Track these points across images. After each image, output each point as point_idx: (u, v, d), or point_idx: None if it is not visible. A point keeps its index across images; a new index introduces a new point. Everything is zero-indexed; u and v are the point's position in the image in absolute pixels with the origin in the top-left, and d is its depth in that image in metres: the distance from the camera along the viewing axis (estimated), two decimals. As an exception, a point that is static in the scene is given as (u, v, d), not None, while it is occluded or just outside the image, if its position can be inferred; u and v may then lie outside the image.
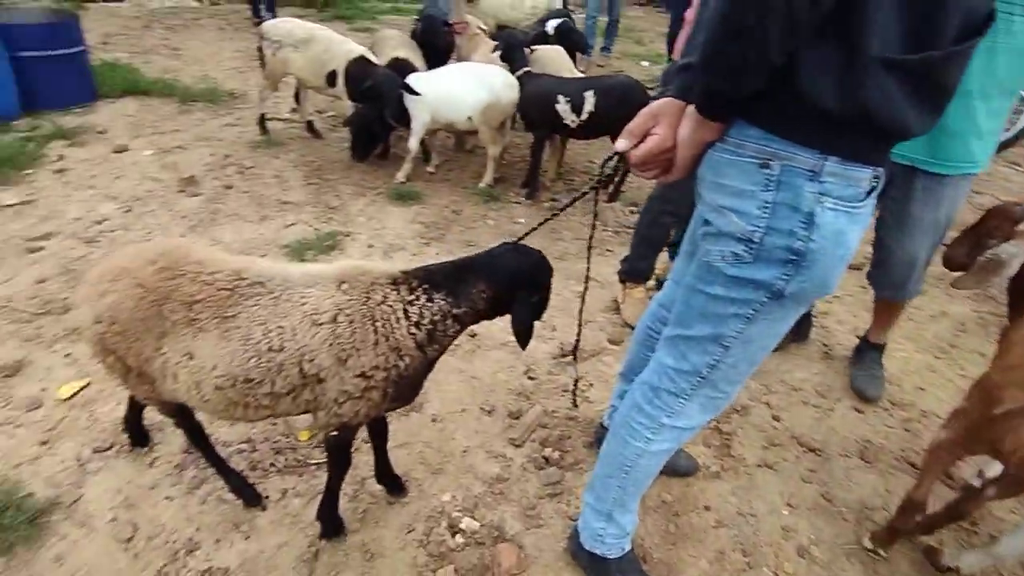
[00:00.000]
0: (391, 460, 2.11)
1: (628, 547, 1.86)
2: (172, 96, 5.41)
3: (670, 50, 5.00)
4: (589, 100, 3.95)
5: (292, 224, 3.72)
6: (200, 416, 1.95)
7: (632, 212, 4.36)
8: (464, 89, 4.04)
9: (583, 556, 1.90)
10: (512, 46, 4.23)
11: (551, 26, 5.10)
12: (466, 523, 2.07)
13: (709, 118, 1.18)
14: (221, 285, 1.56)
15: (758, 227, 1.19)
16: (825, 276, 1.22)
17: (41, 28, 4.80)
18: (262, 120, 4.82)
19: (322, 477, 2.16)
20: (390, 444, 2.09)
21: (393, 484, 2.13)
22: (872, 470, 2.44)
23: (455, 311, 1.62)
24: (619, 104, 3.93)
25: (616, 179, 4.37)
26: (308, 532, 1.99)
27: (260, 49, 4.44)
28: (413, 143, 4.27)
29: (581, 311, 1.97)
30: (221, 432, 2.30)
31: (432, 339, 1.62)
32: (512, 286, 1.65)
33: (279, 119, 5.25)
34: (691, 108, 1.21)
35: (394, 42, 4.74)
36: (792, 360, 3.01)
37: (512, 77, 4.11)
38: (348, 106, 4.39)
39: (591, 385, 2.75)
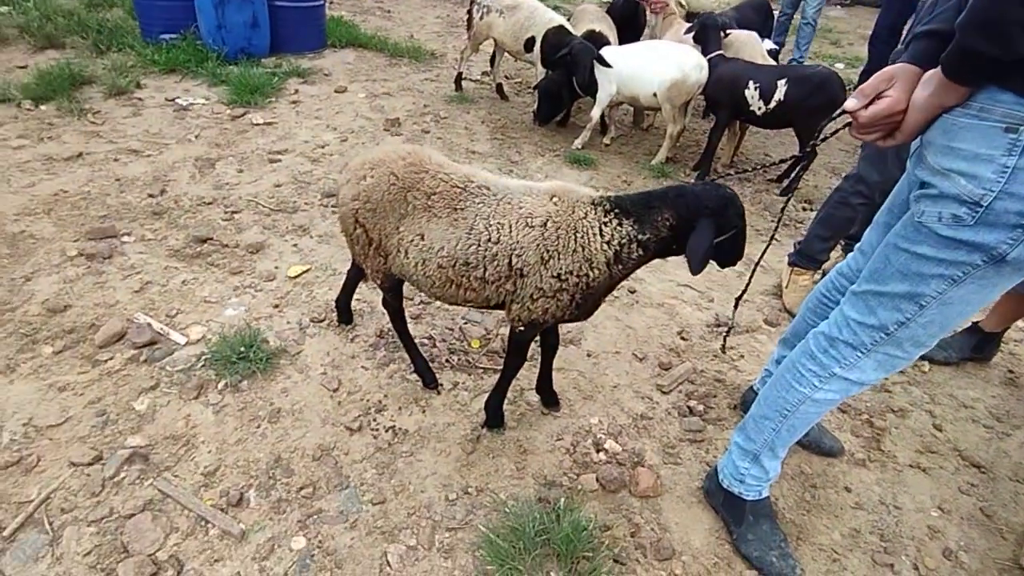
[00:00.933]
0: (551, 376, 2.35)
1: (766, 493, 1.94)
2: (384, 51, 6.08)
3: (872, 52, 4.73)
4: (780, 88, 3.88)
5: (477, 171, 4.09)
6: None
7: (805, 209, 4.23)
8: (653, 65, 4.15)
9: (718, 495, 2.01)
10: (707, 28, 4.25)
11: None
12: (609, 444, 2.26)
13: (959, 82, 1.21)
14: (455, 183, 1.88)
15: (990, 191, 1.21)
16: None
17: (293, -19, 5.61)
18: (459, 78, 5.28)
19: (488, 380, 2.49)
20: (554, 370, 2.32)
21: (550, 398, 2.37)
22: (1045, 501, 2.27)
23: (639, 236, 1.77)
24: (812, 95, 3.83)
25: (799, 170, 4.27)
26: (473, 420, 2.29)
27: (469, 12, 4.86)
28: (596, 112, 4.47)
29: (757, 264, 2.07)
30: (409, 327, 2.68)
31: (619, 259, 1.79)
32: (695, 212, 1.72)
33: (472, 80, 5.70)
34: (935, 72, 1.24)
35: (591, 16, 4.95)
36: (966, 378, 2.83)
37: (703, 58, 4.14)
38: (540, 72, 4.68)
39: (742, 356, 2.80)
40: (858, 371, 1.60)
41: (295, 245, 3.14)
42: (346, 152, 4.11)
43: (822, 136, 1.69)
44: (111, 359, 2.36)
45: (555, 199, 1.82)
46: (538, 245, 1.78)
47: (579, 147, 4.56)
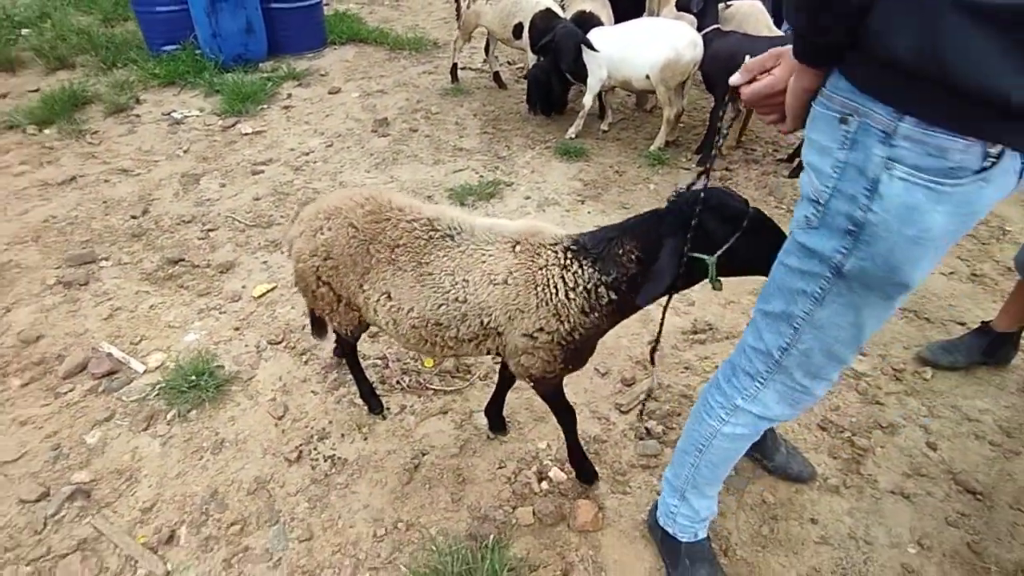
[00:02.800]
0: (504, 401, 2.25)
1: (702, 535, 1.80)
2: (384, 44, 6.00)
3: None
4: (782, 61, 3.55)
5: (461, 170, 3.98)
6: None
7: (817, 191, 3.90)
8: (643, 45, 3.88)
9: (657, 531, 1.88)
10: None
11: None
12: (554, 473, 2.15)
13: (803, 62, 1.07)
14: (418, 233, 1.71)
15: (826, 188, 1.06)
16: (890, 258, 1.03)
17: (288, -18, 5.59)
18: (454, 69, 5.14)
19: (437, 402, 2.42)
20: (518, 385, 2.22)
21: (497, 422, 2.28)
22: (1049, 532, 2.01)
23: (605, 278, 1.55)
24: (818, 67, 3.48)
25: (732, 124, 3.94)
26: (415, 447, 2.24)
27: (457, 1, 4.69)
28: (587, 99, 4.25)
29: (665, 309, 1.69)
30: (363, 347, 2.64)
31: (591, 307, 1.58)
32: (657, 235, 1.47)
33: (472, 69, 5.54)
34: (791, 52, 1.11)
35: (584, -5, 4.68)
36: (976, 385, 2.54)
37: (696, 35, 3.84)
38: (531, 59, 4.49)
39: (716, 367, 2.60)
40: (760, 404, 1.44)
41: (264, 262, 3.15)
42: (330, 159, 4.08)
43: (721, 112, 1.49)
44: (72, 390, 2.43)
45: (517, 247, 1.64)
46: (503, 304, 1.64)
47: (573, 136, 4.36)
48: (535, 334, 1.62)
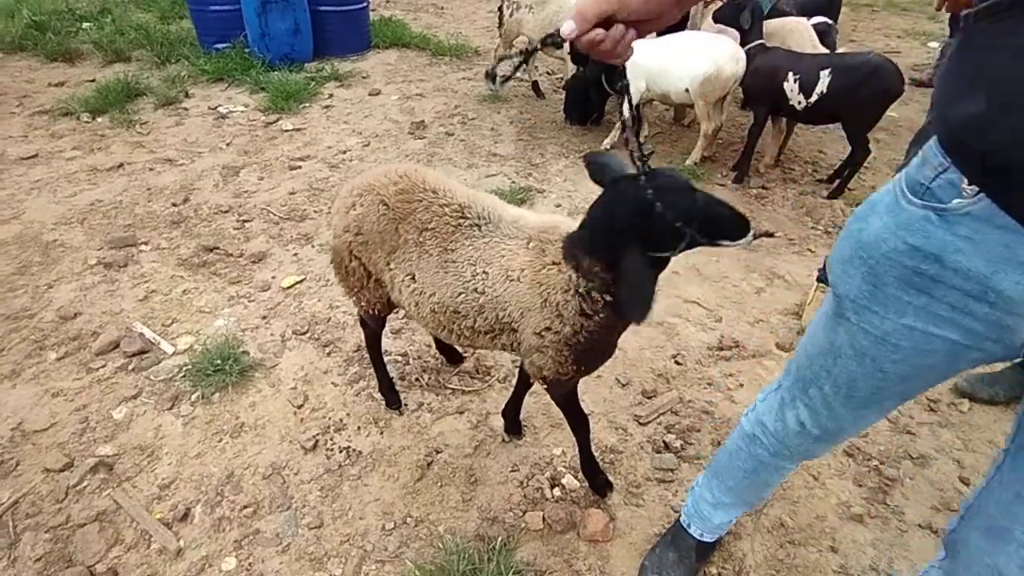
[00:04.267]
0: (522, 403, 2.23)
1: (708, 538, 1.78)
2: (426, 50, 6.09)
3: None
4: (823, 80, 3.49)
5: (494, 175, 4.00)
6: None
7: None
8: (683, 58, 3.85)
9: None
10: (743, 12, 3.85)
11: None
12: (567, 480, 2.12)
13: None
14: (448, 218, 1.70)
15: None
16: (834, 259, 1.08)
17: (337, -15, 5.74)
18: (493, 76, 5.16)
19: (454, 401, 2.42)
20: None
21: (513, 425, 2.26)
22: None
23: (589, 284, 1.47)
24: (861, 86, 3.41)
25: (851, 167, 3.85)
26: (429, 445, 2.24)
27: (500, 9, 4.74)
28: (625, 110, 4.22)
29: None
30: (385, 343, 2.65)
31: (591, 309, 1.50)
32: (612, 247, 1.31)
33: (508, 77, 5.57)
34: None
35: (627, 6, 4.67)
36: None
37: (739, 49, 3.80)
38: (571, 68, 4.50)
39: (741, 385, 2.55)
40: (779, 421, 1.42)
41: (295, 255, 3.20)
42: (366, 158, 4.15)
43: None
44: (103, 367, 2.51)
45: (532, 244, 1.61)
46: (516, 300, 1.62)
47: (608, 147, 4.35)
48: (543, 333, 1.60)
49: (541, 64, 5.50)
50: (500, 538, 1.89)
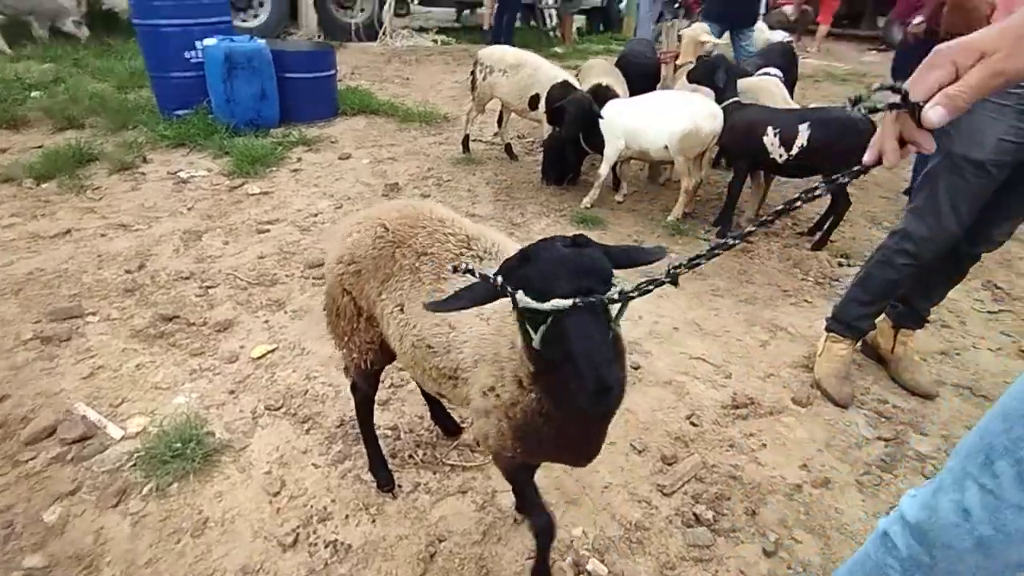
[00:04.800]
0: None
1: None
2: (395, 116, 6.05)
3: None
4: (803, 133, 3.53)
5: (474, 234, 3.84)
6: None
7: (841, 264, 3.78)
8: (662, 116, 3.87)
9: None
10: (717, 70, 3.92)
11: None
12: (592, 565, 1.84)
13: None
14: (451, 247, 1.52)
15: None
16: None
17: (303, 55, 5.72)
18: (466, 140, 5.14)
19: (455, 479, 2.13)
20: None
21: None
22: None
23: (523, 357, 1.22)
24: (839, 138, 3.46)
25: (831, 220, 3.86)
26: (430, 531, 1.93)
27: (473, 73, 4.75)
28: (604, 169, 4.20)
29: None
30: (375, 415, 2.36)
31: (529, 381, 1.24)
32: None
33: (482, 140, 5.56)
34: None
35: (598, 70, 4.77)
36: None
37: (716, 107, 3.85)
38: (546, 130, 4.49)
39: (764, 446, 2.34)
40: None
41: (266, 322, 2.91)
42: (339, 220, 3.94)
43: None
44: (34, 458, 2.12)
45: None
46: (474, 344, 1.41)
47: (588, 206, 4.28)
48: (487, 392, 1.35)
49: (512, 128, 5.51)
50: (526, 645, 1.58)
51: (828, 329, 2.72)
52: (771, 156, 3.67)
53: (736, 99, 3.87)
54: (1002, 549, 1.00)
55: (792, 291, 3.44)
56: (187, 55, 5.17)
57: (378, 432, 2.27)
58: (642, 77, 4.84)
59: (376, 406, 2.38)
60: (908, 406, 2.56)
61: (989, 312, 3.29)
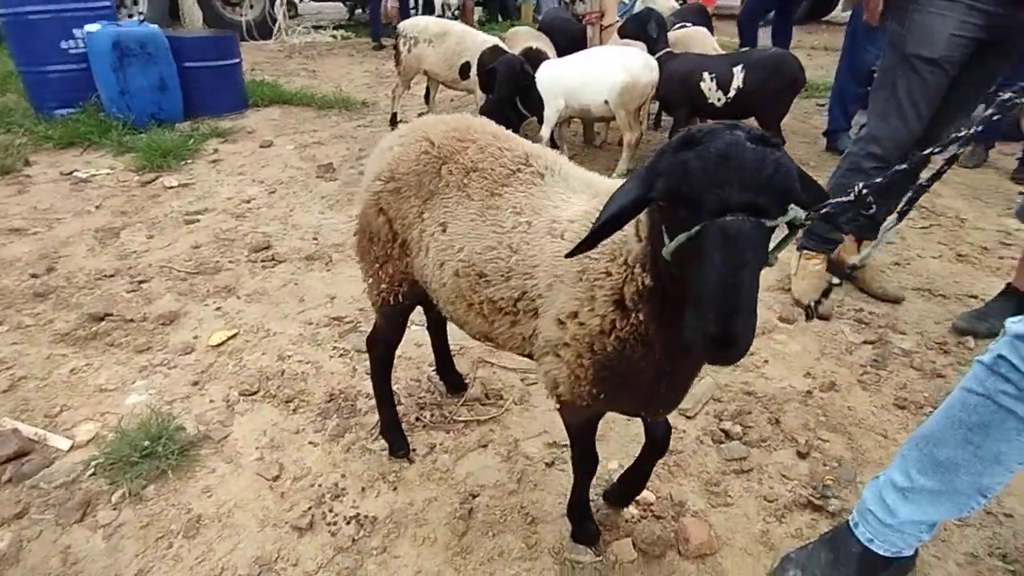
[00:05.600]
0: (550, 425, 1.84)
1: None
2: (311, 104, 5.70)
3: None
4: (738, 75, 3.64)
5: (426, 205, 3.66)
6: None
7: (783, 201, 3.93)
8: (600, 72, 3.86)
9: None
10: (647, 25, 3.97)
11: None
12: (643, 494, 1.75)
13: None
14: (506, 162, 1.35)
15: None
16: None
17: (204, 41, 5.25)
18: (394, 119, 4.92)
19: (470, 435, 1.97)
20: (546, 408, 1.80)
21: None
22: None
23: (636, 257, 1.06)
24: (771, 78, 3.60)
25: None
26: (460, 489, 1.77)
27: (396, 47, 4.55)
28: (545, 131, 4.13)
29: None
30: (365, 384, 2.15)
31: (630, 298, 1.07)
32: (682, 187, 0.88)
33: (407, 121, 5.33)
34: None
35: (525, 36, 4.72)
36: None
37: (651, 58, 3.89)
38: (480, 98, 4.37)
39: (766, 362, 2.36)
40: None
41: (218, 308, 2.60)
42: (275, 204, 3.63)
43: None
44: (-40, 485, 1.74)
45: (595, 201, 1.18)
46: (550, 265, 1.19)
47: (534, 170, 4.20)
48: (566, 320, 1.17)
49: (443, 99, 5.34)
50: (594, 581, 1.47)
51: (802, 247, 2.79)
52: (710, 101, 3.76)
53: (668, 50, 3.94)
54: None
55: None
56: (64, 45, 4.59)
57: (372, 403, 2.08)
58: (568, 41, 4.83)
59: (366, 374, 2.19)
60: (882, 311, 2.68)
61: (922, 227, 3.53)
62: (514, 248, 1.25)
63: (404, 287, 1.54)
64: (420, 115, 5.37)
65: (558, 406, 1.35)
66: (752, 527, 1.67)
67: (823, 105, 5.28)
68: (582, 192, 1.29)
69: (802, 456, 1.90)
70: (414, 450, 1.90)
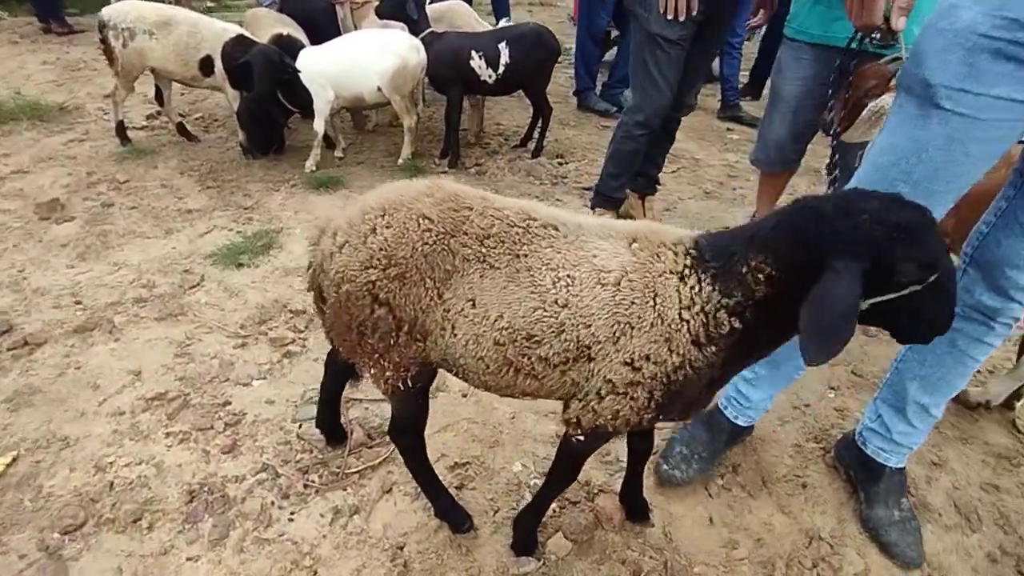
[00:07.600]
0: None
1: None
2: (-19, 119, 4.39)
3: None
4: (504, 51, 3.79)
5: (207, 232, 3.17)
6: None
7: (560, 163, 4.30)
8: (366, 57, 3.68)
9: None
10: (403, 5, 3.88)
11: None
12: (549, 487, 1.87)
13: None
14: (512, 220, 1.28)
15: None
16: (926, 54, 1.26)
17: None
18: (121, 128, 4.06)
19: (370, 484, 1.88)
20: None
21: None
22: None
23: (725, 300, 1.19)
24: (532, 51, 3.83)
25: (540, 128, 4.29)
26: (384, 547, 1.69)
27: (104, 41, 3.72)
28: (319, 125, 3.84)
29: None
30: (226, 467, 1.88)
31: (708, 336, 1.21)
32: (815, 251, 1.08)
33: (135, 127, 4.46)
34: None
35: (268, 19, 4.23)
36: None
37: (415, 39, 3.82)
38: (232, 96, 3.85)
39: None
40: None
41: (-30, 430, 1.98)
42: (-11, 269, 2.80)
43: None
44: None
45: (635, 245, 1.26)
46: (612, 314, 1.23)
47: (313, 169, 3.90)
48: (639, 363, 1.23)
49: (181, 101, 4.53)
50: (546, 584, 1.56)
51: (595, 206, 3.19)
52: (481, 79, 3.86)
53: (431, 30, 3.91)
54: None
55: (540, 196, 3.79)
56: None
57: (252, 480, 1.86)
58: (312, 24, 4.44)
59: (223, 454, 1.92)
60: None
61: (672, 172, 4.17)
62: (562, 303, 1.25)
63: (413, 371, 1.40)
64: (149, 116, 4.54)
65: (579, 437, 1.38)
66: (648, 480, 1.91)
67: (562, 64, 5.78)
68: (607, 238, 1.30)
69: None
70: (322, 515, 1.74)
